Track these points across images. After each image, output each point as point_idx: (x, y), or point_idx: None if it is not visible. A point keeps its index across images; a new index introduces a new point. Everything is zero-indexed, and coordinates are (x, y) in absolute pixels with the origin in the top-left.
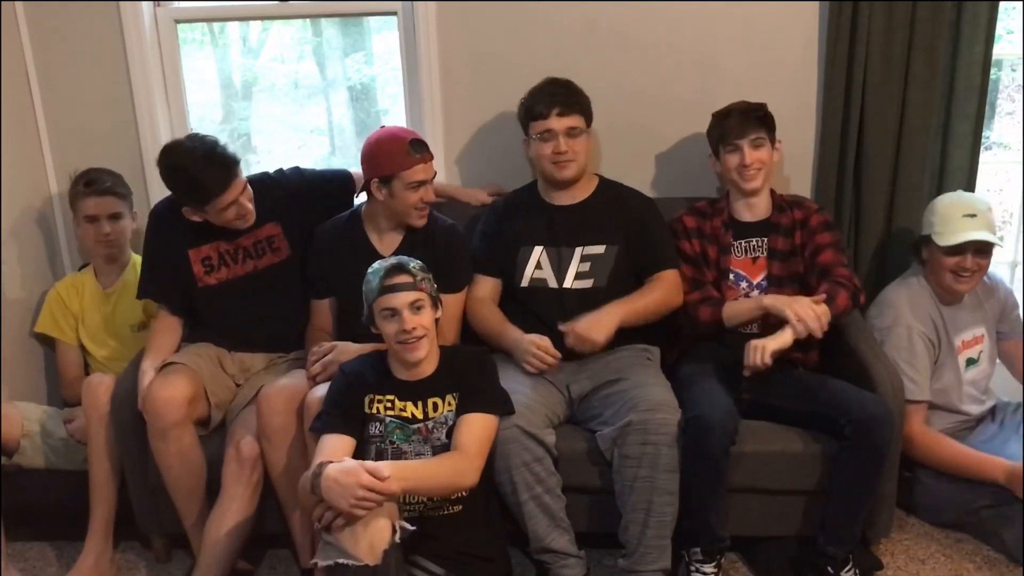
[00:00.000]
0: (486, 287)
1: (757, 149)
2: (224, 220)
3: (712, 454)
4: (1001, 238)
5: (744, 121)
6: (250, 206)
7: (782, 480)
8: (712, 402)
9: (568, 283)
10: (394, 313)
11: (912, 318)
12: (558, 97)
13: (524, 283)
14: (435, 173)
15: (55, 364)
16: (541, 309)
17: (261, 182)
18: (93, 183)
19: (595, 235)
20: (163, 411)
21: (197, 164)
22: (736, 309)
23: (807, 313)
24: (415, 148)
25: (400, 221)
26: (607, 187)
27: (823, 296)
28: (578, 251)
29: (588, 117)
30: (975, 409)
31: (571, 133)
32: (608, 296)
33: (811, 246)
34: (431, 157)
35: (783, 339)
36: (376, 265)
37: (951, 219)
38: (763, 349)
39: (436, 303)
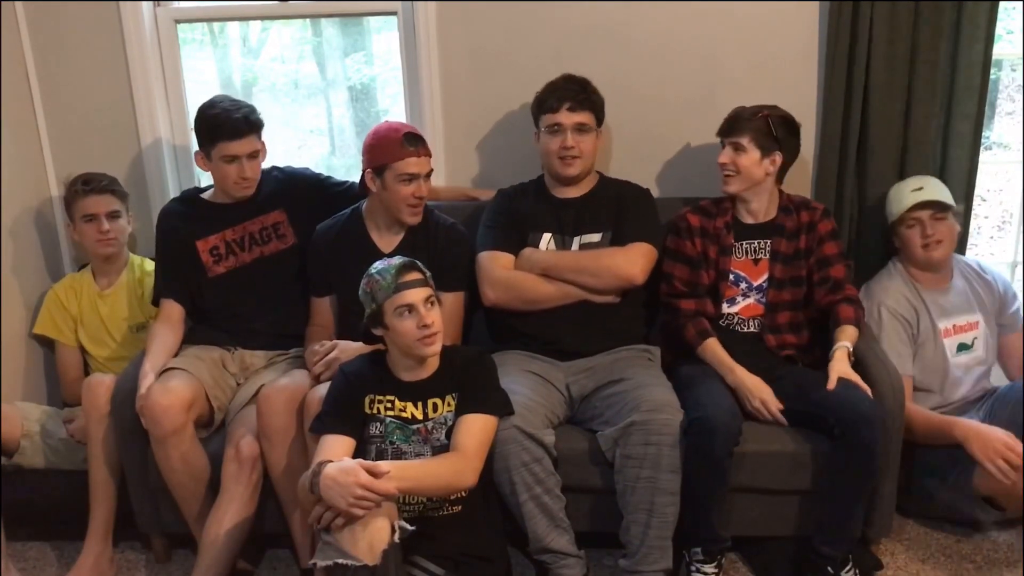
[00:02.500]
0: (508, 262)
1: (736, 152)
2: (223, 175)
3: (716, 455)
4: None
5: (736, 122)
6: (251, 175)
7: (782, 480)
8: (716, 403)
9: None
10: (411, 309)
11: (883, 296)
12: (571, 93)
13: None
14: (431, 170)
15: (55, 364)
16: None
17: (268, 171)
18: (91, 182)
19: (593, 225)
20: (161, 418)
21: (219, 107)
22: (712, 354)
23: (759, 409)
24: (409, 140)
25: (395, 217)
26: (607, 183)
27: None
28: (577, 240)
29: (600, 116)
30: (968, 395)
31: (580, 129)
32: None
33: (818, 254)
34: (426, 152)
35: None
36: (380, 265)
37: (902, 195)
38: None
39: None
